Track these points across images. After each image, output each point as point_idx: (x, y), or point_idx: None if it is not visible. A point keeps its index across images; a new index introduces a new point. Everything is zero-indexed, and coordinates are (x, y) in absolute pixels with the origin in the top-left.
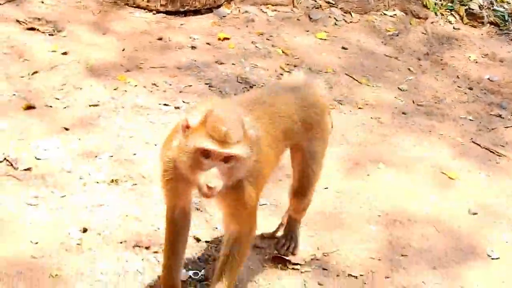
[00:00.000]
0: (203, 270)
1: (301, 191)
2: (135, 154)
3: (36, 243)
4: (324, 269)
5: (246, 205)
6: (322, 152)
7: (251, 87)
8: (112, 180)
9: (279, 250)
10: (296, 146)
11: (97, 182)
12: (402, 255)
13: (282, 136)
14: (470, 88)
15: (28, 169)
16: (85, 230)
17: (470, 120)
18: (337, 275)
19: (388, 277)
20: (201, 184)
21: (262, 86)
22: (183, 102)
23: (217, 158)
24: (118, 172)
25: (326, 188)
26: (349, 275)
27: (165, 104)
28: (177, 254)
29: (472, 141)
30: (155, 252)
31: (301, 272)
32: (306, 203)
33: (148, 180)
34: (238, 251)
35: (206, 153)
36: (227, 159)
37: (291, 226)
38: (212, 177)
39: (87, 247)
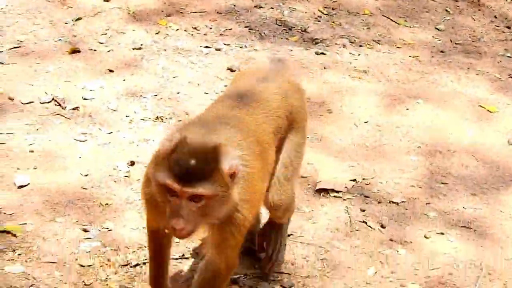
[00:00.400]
0: None
1: (281, 189)
2: (178, 93)
3: (86, 175)
4: (366, 196)
5: (235, 237)
6: (303, 143)
7: (289, 29)
8: (157, 117)
9: (263, 268)
10: (278, 141)
11: (143, 120)
12: (442, 183)
13: (272, 139)
14: (508, 27)
15: (76, 108)
16: (132, 163)
17: (508, 57)
18: (379, 202)
19: (428, 203)
20: (168, 223)
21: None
22: (224, 44)
23: (183, 196)
24: (163, 110)
25: (366, 122)
26: (391, 201)
27: (206, 47)
28: (162, 266)
29: (510, 77)
30: None
31: (343, 200)
32: (287, 204)
33: (192, 117)
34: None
35: (170, 190)
36: (195, 197)
37: (275, 235)
38: (178, 217)
39: (135, 178)
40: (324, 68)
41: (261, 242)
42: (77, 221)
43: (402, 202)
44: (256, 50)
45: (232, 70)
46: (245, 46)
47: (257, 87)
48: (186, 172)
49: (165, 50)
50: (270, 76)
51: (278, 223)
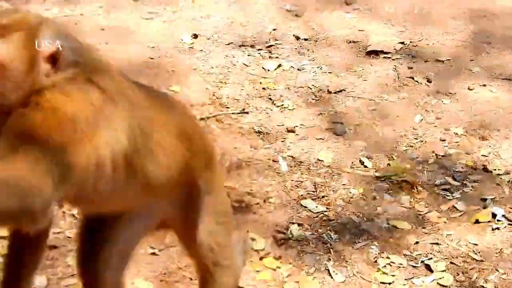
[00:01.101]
0: None
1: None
2: None
3: (153, 47)
4: (413, 56)
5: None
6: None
7: None
8: None
9: None
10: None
11: None
12: (486, 43)
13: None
14: None
15: None
16: (195, 36)
17: None
18: (425, 61)
19: (472, 60)
20: None
21: None
22: None
23: None
24: None
25: None
26: (437, 60)
27: None
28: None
29: None
30: (259, 49)
31: (392, 59)
32: (221, 252)
33: None
34: None
35: None
36: None
37: None
38: None
39: (199, 49)
40: None
41: None
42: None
43: (448, 60)
44: None
45: None
46: None
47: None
48: None
49: None
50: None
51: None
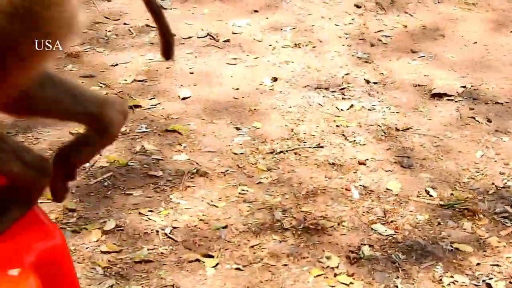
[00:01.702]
0: None
1: None
2: (312, 25)
3: (237, 89)
4: (474, 99)
5: None
6: None
7: None
8: (295, 44)
9: None
10: None
11: (283, 47)
12: None
13: None
14: None
15: (227, 40)
16: (275, 79)
17: None
18: (486, 103)
19: None
20: None
21: None
22: None
23: None
24: (300, 39)
25: (475, 42)
26: (496, 102)
27: None
28: None
29: None
30: (333, 91)
31: (455, 101)
32: None
33: (325, 44)
34: None
35: None
36: None
37: None
38: None
39: (278, 90)
40: (438, 2)
41: None
42: (230, 122)
43: (506, 102)
44: None
45: (358, 7)
46: None
47: None
48: None
49: None
50: None
51: None
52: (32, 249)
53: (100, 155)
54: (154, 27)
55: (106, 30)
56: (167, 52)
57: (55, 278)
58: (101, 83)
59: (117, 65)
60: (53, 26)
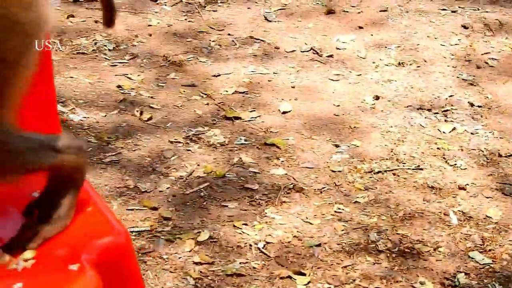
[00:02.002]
0: None
1: None
2: (418, 44)
3: (338, 105)
4: None
5: None
6: None
7: None
8: (399, 63)
9: None
10: None
11: (387, 65)
12: None
13: None
14: None
15: (330, 56)
16: (377, 98)
17: None
18: None
19: None
20: None
21: None
22: (459, 7)
23: None
24: (404, 57)
25: None
26: None
27: (443, 9)
28: None
29: None
30: (435, 113)
31: None
32: None
33: (429, 63)
34: None
35: None
36: None
37: None
38: None
39: (379, 109)
40: None
41: None
42: (329, 139)
43: None
44: (487, 12)
45: (465, 27)
46: (477, 8)
47: None
48: None
49: (407, 12)
50: None
51: None
52: (95, 246)
53: (198, 165)
54: (258, 39)
55: (210, 40)
56: (109, 20)
57: (119, 277)
58: (202, 93)
59: (219, 75)
60: (32, 26)
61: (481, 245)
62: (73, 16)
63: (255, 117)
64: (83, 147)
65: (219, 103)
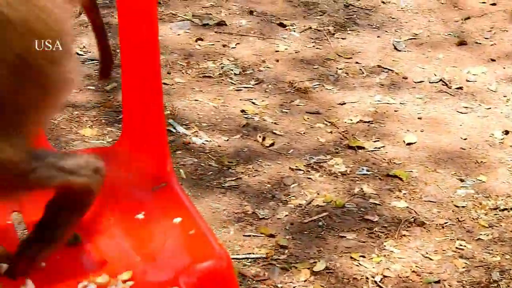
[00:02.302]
0: None
1: None
2: None
3: (465, 139)
4: None
5: None
6: None
7: None
8: None
9: None
10: None
11: None
12: None
13: None
14: None
15: (460, 88)
16: (506, 133)
17: None
18: None
19: None
20: None
21: None
22: None
23: None
24: None
25: None
26: None
27: None
28: None
29: None
30: None
31: None
32: None
33: None
34: None
35: None
36: None
37: None
38: None
39: (509, 144)
40: None
41: None
42: (455, 173)
43: None
44: None
45: None
46: None
47: None
48: None
49: None
50: None
51: None
52: (195, 269)
53: (318, 193)
54: (386, 68)
55: (337, 68)
56: (105, 71)
57: None
58: (326, 120)
59: (344, 104)
60: (52, 81)
61: None
62: (201, 40)
63: (379, 148)
64: (101, 168)
65: (343, 131)
